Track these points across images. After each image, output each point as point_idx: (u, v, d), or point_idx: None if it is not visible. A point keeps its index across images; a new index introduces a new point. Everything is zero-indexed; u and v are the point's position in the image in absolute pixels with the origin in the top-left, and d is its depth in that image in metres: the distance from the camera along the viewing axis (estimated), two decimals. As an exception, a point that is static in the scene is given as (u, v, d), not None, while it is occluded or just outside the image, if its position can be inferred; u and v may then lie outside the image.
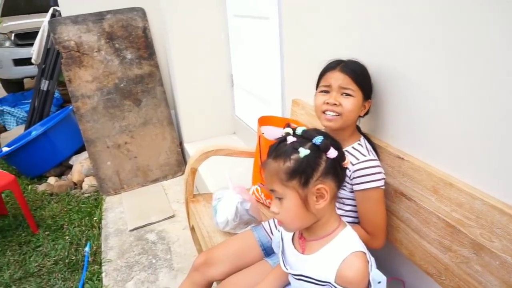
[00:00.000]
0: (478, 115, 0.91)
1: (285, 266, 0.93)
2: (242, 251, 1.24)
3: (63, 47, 2.71)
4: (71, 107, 3.08)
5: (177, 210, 2.49)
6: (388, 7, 1.12)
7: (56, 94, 3.96)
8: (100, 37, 2.78)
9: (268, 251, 1.25)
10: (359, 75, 1.11)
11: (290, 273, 0.92)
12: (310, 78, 1.67)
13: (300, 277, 0.88)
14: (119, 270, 1.99)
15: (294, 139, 0.81)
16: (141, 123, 2.88)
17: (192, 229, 1.82)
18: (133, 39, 2.87)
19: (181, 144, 3.05)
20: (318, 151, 0.79)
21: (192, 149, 2.76)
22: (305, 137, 0.81)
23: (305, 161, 0.78)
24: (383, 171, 1.09)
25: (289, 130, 0.83)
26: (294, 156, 0.78)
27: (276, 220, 1.25)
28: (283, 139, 0.83)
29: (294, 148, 0.79)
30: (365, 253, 0.83)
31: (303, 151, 0.78)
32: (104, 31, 2.80)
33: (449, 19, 0.93)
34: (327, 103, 1.10)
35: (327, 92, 1.13)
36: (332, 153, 0.79)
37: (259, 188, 1.61)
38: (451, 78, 0.96)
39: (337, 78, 1.11)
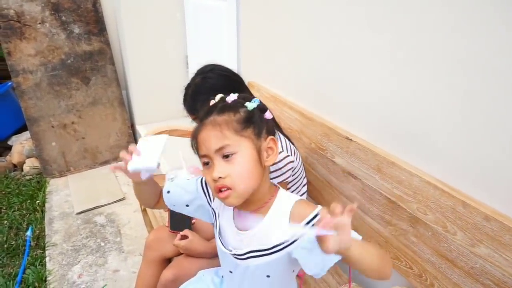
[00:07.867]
0: (417, 101, 0.98)
1: (226, 248, 0.83)
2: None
3: (1, 15, 2.47)
4: (10, 83, 2.85)
5: (128, 193, 2.42)
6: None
7: (-8, 69, 3.62)
8: (45, 8, 2.58)
9: (221, 229, 1.26)
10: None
11: (235, 255, 0.81)
12: (265, 61, 1.70)
13: (248, 254, 0.79)
14: (64, 254, 1.90)
15: (235, 97, 0.80)
16: (89, 102, 2.73)
17: (144, 210, 1.78)
18: (82, 12, 2.69)
19: (132, 126, 2.95)
20: (259, 110, 0.79)
21: (144, 131, 2.68)
22: (243, 99, 0.81)
23: (254, 113, 0.77)
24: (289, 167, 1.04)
25: (222, 95, 0.82)
26: (243, 109, 0.77)
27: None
28: (220, 101, 0.80)
29: (240, 103, 0.78)
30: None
31: (250, 105, 0.78)
32: (49, 2, 2.59)
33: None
34: None
35: None
36: (268, 115, 0.80)
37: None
38: (389, 73, 1.02)
39: None
